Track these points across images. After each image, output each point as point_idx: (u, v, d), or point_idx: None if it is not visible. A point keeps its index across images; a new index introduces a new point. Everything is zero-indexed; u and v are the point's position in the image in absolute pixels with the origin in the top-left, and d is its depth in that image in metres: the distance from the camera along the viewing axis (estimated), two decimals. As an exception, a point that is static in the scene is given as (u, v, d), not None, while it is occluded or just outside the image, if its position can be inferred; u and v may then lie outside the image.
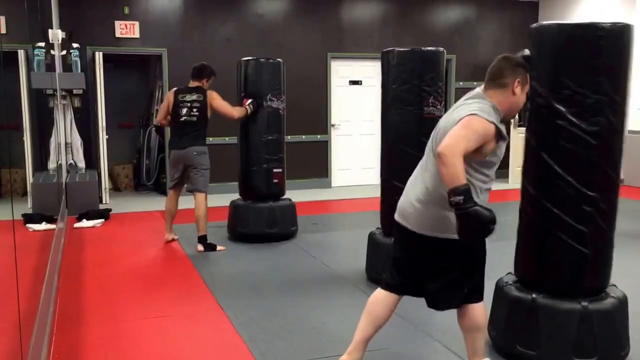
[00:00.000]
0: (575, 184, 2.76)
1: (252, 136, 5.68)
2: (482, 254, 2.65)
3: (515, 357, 2.95)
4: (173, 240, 5.59)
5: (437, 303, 2.70)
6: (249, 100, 5.52)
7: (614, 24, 2.73)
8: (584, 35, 2.74)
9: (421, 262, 2.64)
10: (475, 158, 2.45)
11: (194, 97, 5.33)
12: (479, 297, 2.68)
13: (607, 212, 2.83)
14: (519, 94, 2.57)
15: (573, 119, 2.74)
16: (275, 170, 5.71)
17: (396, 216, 2.72)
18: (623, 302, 2.92)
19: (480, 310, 2.69)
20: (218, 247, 5.38)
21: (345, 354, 2.73)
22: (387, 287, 2.75)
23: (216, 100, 5.37)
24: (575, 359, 2.77)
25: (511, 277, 3.12)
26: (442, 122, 2.63)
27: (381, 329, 2.86)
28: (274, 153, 5.72)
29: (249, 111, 5.50)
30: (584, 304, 2.79)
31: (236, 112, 5.46)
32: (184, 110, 5.32)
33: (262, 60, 5.79)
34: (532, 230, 2.96)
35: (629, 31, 2.78)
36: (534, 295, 2.87)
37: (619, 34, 2.75)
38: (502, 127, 2.50)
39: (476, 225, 2.29)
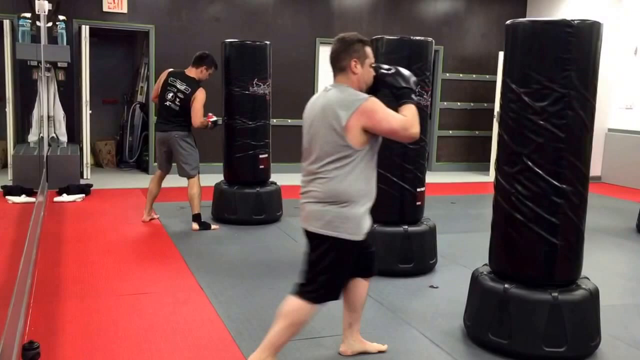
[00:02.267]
0: (545, 176, 2.83)
1: (238, 122, 5.60)
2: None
3: (487, 346, 3.01)
4: (151, 220, 5.57)
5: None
6: (213, 118, 5.39)
7: (582, 20, 2.80)
8: (554, 31, 2.80)
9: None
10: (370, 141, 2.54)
11: (183, 87, 5.23)
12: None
13: (577, 205, 2.90)
14: (360, 71, 2.61)
15: (542, 113, 2.80)
16: (261, 156, 5.68)
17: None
18: (594, 294, 2.98)
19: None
20: (212, 226, 5.38)
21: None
22: None
23: (195, 100, 5.20)
24: (546, 349, 2.84)
25: (486, 267, 3.18)
26: (317, 126, 2.61)
27: (361, 315, 2.91)
28: (260, 139, 5.67)
29: (209, 127, 5.32)
30: (554, 294, 2.85)
31: (198, 120, 5.21)
32: (169, 95, 5.25)
33: (248, 42, 5.67)
34: (505, 222, 3.01)
35: (598, 28, 2.85)
36: (506, 286, 2.93)
37: (588, 30, 2.81)
38: None
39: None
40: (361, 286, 2.85)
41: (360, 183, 2.55)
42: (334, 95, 2.58)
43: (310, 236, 2.62)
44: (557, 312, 2.84)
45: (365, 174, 2.58)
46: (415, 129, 2.53)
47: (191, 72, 5.32)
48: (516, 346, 2.89)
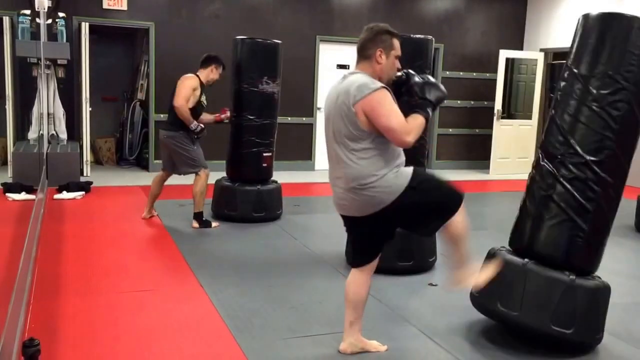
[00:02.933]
0: (590, 162, 2.87)
1: (244, 119, 5.59)
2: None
3: (493, 315, 3.03)
4: (151, 217, 5.56)
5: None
6: (227, 113, 5.41)
7: None
8: (626, 24, 2.85)
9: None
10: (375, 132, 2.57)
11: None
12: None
13: (612, 198, 2.94)
14: (384, 61, 2.65)
15: (601, 100, 2.85)
16: (265, 154, 5.67)
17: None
18: (606, 289, 3.01)
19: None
20: (213, 224, 5.38)
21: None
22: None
23: (180, 83, 5.09)
24: (553, 327, 2.85)
25: (505, 248, 3.19)
26: (332, 112, 2.67)
27: (362, 315, 2.91)
28: (265, 137, 5.67)
29: (194, 127, 5.08)
30: (572, 277, 2.87)
31: (182, 105, 4.99)
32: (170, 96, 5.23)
33: (260, 40, 5.66)
34: (538, 201, 3.02)
35: None
36: (525, 260, 2.96)
37: None
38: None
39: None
40: (364, 285, 2.85)
41: (380, 162, 2.59)
42: (350, 81, 2.62)
43: (373, 217, 2.66)
44: (571, 294, 2.86)
45: (385, 155, 2.61)
46: (410, 138, 2.54)
47: (200, 72, 5.25)
48: (525, 318, 2.90)
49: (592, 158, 2.87)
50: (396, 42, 2.68)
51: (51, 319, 3.24)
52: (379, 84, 2.57)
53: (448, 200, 2.71)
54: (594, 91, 2.87)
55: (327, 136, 2.74)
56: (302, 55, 8.93)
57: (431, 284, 4.05)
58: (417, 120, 2.60)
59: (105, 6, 8.10)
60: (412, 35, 4.21)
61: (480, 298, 3.12)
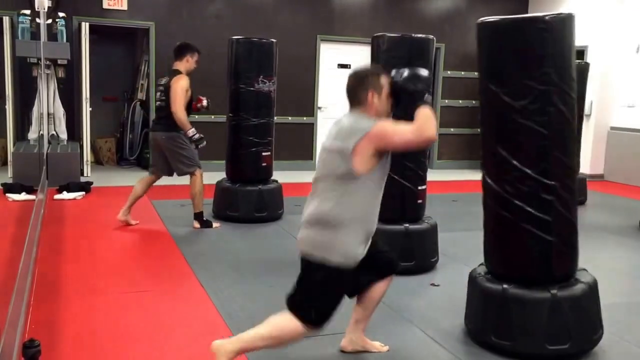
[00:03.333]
0: (533, 174, 2.79)
1: (242, 119, 5.58)
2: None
3: (491, 348, 2.98)
4: (128, 225, 5.30)
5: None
6: (204, 102, 5.29)
7: (555, 15, 2.76)
8: (528, 28, 2.77)
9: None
10: (374, 166, 2.51)
11: (164, 80, 5.14)
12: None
13: (567, 199, 2.87)
14: (378, 101, 2.60)
15: (523, 111, 2.77)
16: (264, 153, 5.66)
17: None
18: (593, 287, 2.96)
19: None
20: (214, 224, 5.35)
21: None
22: None
23: (173, 87, 5.00)
24: (549, 347, 2.81)
25: (483, 268, 3.15)
26: (326, 153, 2.61)
27: (371, 315, 2.90)
28: (263, 136, 5.66)
29: (191, 134, 5.07)
30: (553, 291, 2.83)
31: (177, 108, 4.98)
32: (157, 94, 5.22)
33: (255, 40, 5.66)
34: (496, 223, 2.98)
35: (571, 21, 2.81)
36: (504, 286, 2.90)
37: (561, 24, 2.77)
38: None
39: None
40: (379, 286, 2.82)
41: (357, 210, 2.52)
42: (347, 121, 2.59)
43: (302, 259, 2.61)
44: (558, 309, 2.82)
45: (366, 203, 2.55)
46: (428, 132, 2.46)
47: (176, 65, 5.18)
48: (520, 347, 2.86)
49: (534, 170, 2.79)
50: (384, 80, 2.63)
51: (52, 319, 3.22)
52: (373, 120, 2.52)
53: (305, 305, 2.57)
54: (514, 104, 2.77)
55: (315, 179, 2.66)
56: (302, 54, 8.92)
57: (433, 284, 4.04)
58: (421, 114, 2.52)
59: (105, 6, 8.09)
60: (413, 35, 4.18)
61: (475, 332, 3.09)
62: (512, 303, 2.87)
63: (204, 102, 5.34)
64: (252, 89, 5.53)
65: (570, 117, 2.84)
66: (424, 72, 2.70)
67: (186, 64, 5.18)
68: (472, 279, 3.13)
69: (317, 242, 2.53)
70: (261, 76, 5.53)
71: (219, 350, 2.55)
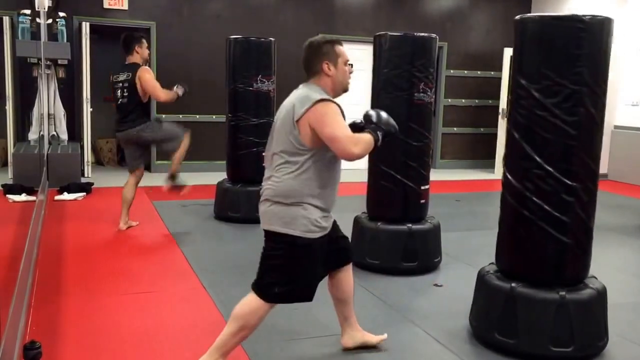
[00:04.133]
0: (556, 173, 2.79)
1: (241, 119, 5.56)
2: None
3: (494, 346, 2.97)
4: (129, 227, 5.25)
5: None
6: (177, 85, 5.19)
7: (594, 16, 2.76)
8: (565, 27, 2.76)
9: None
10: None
11: (124, 76, 5.01)
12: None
13: (586, 202, 2.86)
14: (334, 71, 2.59)
15: (553, 110, 2.76)
16: (264, 153, 5.61)
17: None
18: (601, 293, 2.94)
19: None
20: (184, 189, 5.30)
21: None
22: None
23: (143, 79, 4.91)
24: (553, 349, 2.79)
25: (492, 267, 3.14)
26: (278, 125, 2.60)
27: (353, 306, 2.89)
28: (263, 136, 5.60)
29: (180, 94, 5.11)
30: (562, 293, 2.81)
31: (163, 94, 5.01)
32: (118, 93, 5.05)
33: (253, 39, 5.64)
34: (513, 220, 2.97)
35: (609, 24, 2.81)
36: (512, 285, 2.89)
37: (599, 26, 2.78)
38: None
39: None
40: (345, 277, 2.81)
41: (312, 185, 2.49)
42: (299, 93, 2.57)
43: (265, 234, 2.60)
44: (565, 311, 2.80)
45: (321, 177, 2.51)
46: (357, 149, 2.43)
47: (130, 59, 5.07)
48: (523, 346, 2.85)
49: (557, 169, 2.79)
50: (340, 49, 2.61)
51: (52, 321, 3.20)
52: (323, 96, 2.49)
53: (267, 281, 2.58)
54: (544, 101, 2.77)
55: (267, 149, 2.66)
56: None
57: (436, 285, 4.01)
58: (365, 137, 2.50)
59: (105, 6, 8.07)
60: (415, 34, 4.16)
61: (479, 329, 3.07)
62: (519, 302, 2.85)
63: (179, 90, 5.21)
64: (250, 88, 5.51)
65: (599, 120, 2.85)
66: (393, 123, 2.65)
67: (137, 55, 5.06)
68: (481, 276, 3.11)
69: (280, 216, 2.50)
70: (260, 75, 5.51)
71: None
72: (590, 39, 2.74)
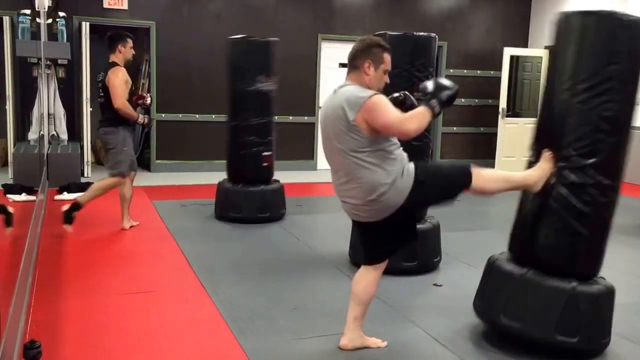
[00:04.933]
0: (585, 165, 2.82)
1: (242, 119, 5.55)
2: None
3: (497, 326, 2.99)
4: (132, 227, 5.25)
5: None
6: (148, 99, 5.12)
7: (632, 15, 2.83)
8: (607, 23, 2.81)
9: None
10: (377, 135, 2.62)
11: (101, 76, 4.94)
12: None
13: (610, 199, 2.89)
14: (372, 73, 2.70)
15: (588, 102, 2.80)
16: (265, 153, 5.63)
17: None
18: (610, 292, 2.96)
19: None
20: (69, 229, 4.91)
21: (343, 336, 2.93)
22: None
23: (111, 82, 4.78)
24: (558, 337, 2.81)
25: (502, 255, 3.15)
26: (330, 129, 2.72)
27: (367, 311, 2.92)
28: (263, 136, 5.63)
29: (139, 122, 5.02)
30: (573, 284, 2.82)
31: (121, 102, 4.79)
32: (99, 92, 4.99)
33: (253, 39, 5.64)
34: (535, 208, 2.97)
35: None
36: (525, 269, 2.91)
37: (637, 25, 2.82)
38: None
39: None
40: (375, 282, 2.89)
41: (388, 163, 2.63)
42: (342, 94, 2.66)
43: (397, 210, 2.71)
44: (574, 302, 2.81)
45: (389, 152, 2.65)
46: (408, 126, 2.57)
47: (111, 58, 4.96)
48: (529, 330, 2.86)
49: (587, 161, 2.81)
50: (387, 57, 2.72)
51: (52, 320, 3.20)
52: (370, 92, 2.61)
53: (456, 179, 2.87)
54: (581, 94, 2.80)
55: (329, 153, 2.77)
56: (303, 53, 8.89)
57: (436, 284, 4.01)
58: (417, 112, 2.63)
59: (105, 5, 8.07)
60: (415, 33, 4.16)
61: (483, 309, 3.09)
62: (530, 286, 2.87)
63: (147, 100, 5.19)
64: (251, 88, 5.50)
65: (630, 118, 2.89)
66: (450, 86, 2.73)
67: (119, 55, 4.95)
68: (490, 263, 3.12)
69: (393, 201, 2.66)
70: (260, 75, 5.49)
71: None
72: (630, 36, 2.79)
